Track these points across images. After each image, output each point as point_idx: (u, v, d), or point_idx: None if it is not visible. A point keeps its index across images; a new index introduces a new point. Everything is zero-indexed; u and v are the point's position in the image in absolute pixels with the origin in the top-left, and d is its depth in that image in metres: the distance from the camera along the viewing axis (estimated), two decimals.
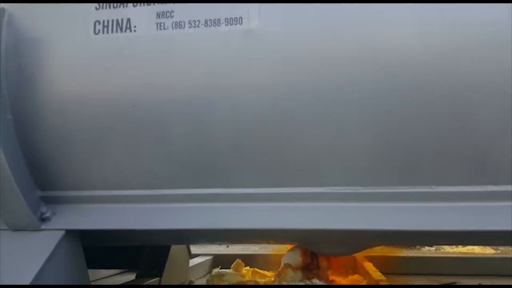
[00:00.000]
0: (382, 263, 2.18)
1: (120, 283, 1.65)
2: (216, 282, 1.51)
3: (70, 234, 1.07)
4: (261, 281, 1.57)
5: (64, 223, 1.07)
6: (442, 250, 3.81)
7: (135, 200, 1.06)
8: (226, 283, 1.48)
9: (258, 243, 2.13)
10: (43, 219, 1.07)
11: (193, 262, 2.30)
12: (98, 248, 1.97)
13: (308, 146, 0.96)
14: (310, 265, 1.54)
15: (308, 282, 1.35)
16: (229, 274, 1.54)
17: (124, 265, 2.12)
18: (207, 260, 2.49)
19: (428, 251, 3.65)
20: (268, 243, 1.57)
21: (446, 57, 0.88)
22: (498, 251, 3.60)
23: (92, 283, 2.09)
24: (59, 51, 1.04)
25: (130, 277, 1.84)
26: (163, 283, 1.71)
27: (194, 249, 3.12)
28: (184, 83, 0.99)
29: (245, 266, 1.80)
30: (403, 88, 0.90)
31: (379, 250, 2.48)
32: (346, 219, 0.97)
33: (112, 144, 1.04)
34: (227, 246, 3.86)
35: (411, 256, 2.70)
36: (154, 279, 1.67)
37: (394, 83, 0.90)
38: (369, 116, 0.92)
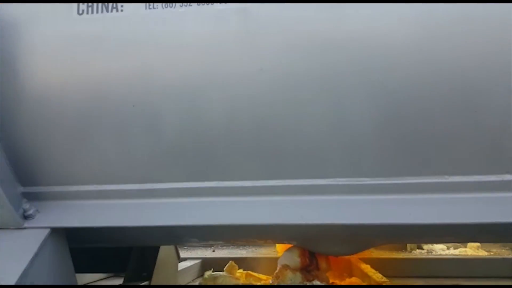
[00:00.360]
0: (377, 266, 2.13)
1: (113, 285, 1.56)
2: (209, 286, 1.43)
3: (56, 232, 0.99)
4: (256, 284, 1.50)
5: (48, 220, 0.99)
6: (434, 253, 3.79)
7: (124, 196, 0.98)
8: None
9: (255, 242, 2.05)
10: (26, 217, 0.99)
11: (182, 266, 2.21)
12: (84, 251, 1.90)
13: (311, 135, 0.90)
14: (309, 266, 1.47)
15: (308, 283, 1.28)
16: (223, 277, 1.46)
17: (111, 269, 2.02)
18: (196, 264, 2.40)
19: (419, 253, 3.63)
20: (265, 242, 1.49)
21: (457, 40, 0.83)
22: (491, 253, 3.60)
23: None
24: (40, 33, 0.96)
25: (117, 281, 1.74)
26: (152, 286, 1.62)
27: (181, 252, 3.05)
28: (176, 67, 0.92)
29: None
30: (413, 73, 0.85)
31: (371, 253, 2.43)
32: (352, 213, 0.91)
33: (98, 134, 0.96)
34: (213, 251, 3.79)
35: (406, 258, 2.66)
36: (142, 283, 1.58)
37: (405, 67, 0.84)
38: (377, 101, 0.86)
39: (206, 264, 2.49)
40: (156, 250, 1.73)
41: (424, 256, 3.16)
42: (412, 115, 0.84)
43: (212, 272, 1.55)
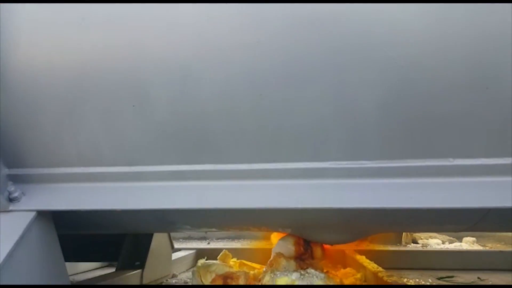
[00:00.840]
0: (372, 258, 2.11)
1: (100, 276, 1.51)
2: (202, 273, 1.39)
3: (42, 215, 0.95)
4: (250, 273, 1.46)
5: (35, 203, 0.95)
6: (429, 247, 3.79)
7: (113, 178, 0.93)
8: (213, 274, 1.37)
9: (249, 231, 2.01)
10: (11, 199, 0.95)
11: (176, 256, 2.18)
12: (76, 240, 1.86)
13: (310, 114, 0.85)
14: (304, 255, 1.44)
15: (302, 272, 1.24)
16: (216, 265, 1.43)
17: (104, 258, 1.99)
18: (190, 254, 2.38)
19: (414, 247, 3.62)
20: (260, 230, 1.45)
21: (470, 17, 0.78)
22: (487, 247, 3.60)
23: (70, 277, 1.96)
24: (25, 10, 0.90)
25: (110, 271, 1.70)
26: (145, 275, 1.59)
27: (177, 244, 3.02)
28: (167, 42, 0.85)
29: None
30: (422, 50, 0.79)
31: (366, 246, 2.41)
32: (351, 197, 0.87)
33: (85, 115, 0.91)
34: (208, 243, 3.79)
35: (402, 250, 2.65)
36: (135, 271, 1.54)
37: (413, 44, 0.79)
38: (382, 79, 0.81)
39: (201, 254, 2.45)
40: (149, 239, 1.70)
41: (419, 249, 3.16)
42: (418, 94, 0.80)
43: (206, 260, 1.51)
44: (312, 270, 1.25)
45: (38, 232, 0.95)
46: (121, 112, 0.90)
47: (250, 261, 1.73)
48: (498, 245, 3.74)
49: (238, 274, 1.34)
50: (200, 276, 1.38)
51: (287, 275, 1.22)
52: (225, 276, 1.34)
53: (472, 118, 0.79)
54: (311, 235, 1.31)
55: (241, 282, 1.30)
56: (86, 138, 0.93)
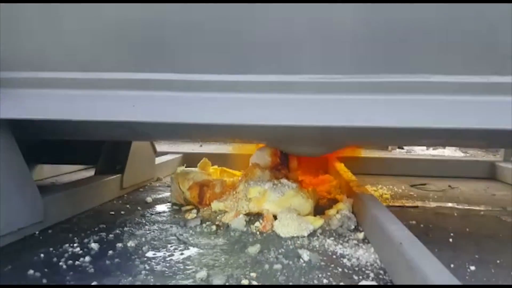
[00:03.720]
0: (352, 164, 2.16)
1: (82, 179, 1.54)
2: (180, 180, 1.41)
3: None
4: (229, 180, 1.49)
5: None
6: (413, 152, 3.89)
7: (65, 85, 0.85)
8: (190, 181, 1.39)
9: (223, 141, 2.01)
10: None
11: (162, 159, 2.20)
12: (57, 144, 1.86)
13: (281, 22, 0.75)
14: (280, 166, 1.45)
15: (276, 182, 1.26)
16: (194, 173, 1.44)
17: (85, 162, 2.01)
18: (176, 158, 2.40)
19: (399, 153, 3.73)
20: (234, 141, 1.44)
21: None
22: (468, 154, 3.71)
23: (53, 178, 2.02)
24: None
25: (91, 173, 1.72)
26: (125, 179, 1.61)
27: (164, 147, 3.06)
28: None
29: (215, 165, 1.71)
30: None
31: (350, 151, 2.45)
32: (322, 114, 0.82)
33: (24, 12, 0.79)
34: (201, 146, 3.82)
35: (382, 157, 2.71)
36: (114, 176, 1.56)
37: None
38: None
39: (188, 159, 2.49)
40: (128, 144, 1.68)
41: (400, 156, 3.23)
42: (395, 4, 0.70)
43: (185, 167, 1.52)
44: (285, 180, 1.27)
45: None
46: (65, 10, 0.78)
47: (236, 167, 1.75)
48: (479, 152, 3.86)
49: (214, 182, 1.36)
50: (179, 183, 1.40)
51: (260, 184, 1.24)
52: (202, 184, 1.35)
53: (450, 33, 0.70)
54: (287, 148, 1.30)
55: (217, 190, 1.33)
56: (29, 39, 0.81)
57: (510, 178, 2.15)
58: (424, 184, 2.00)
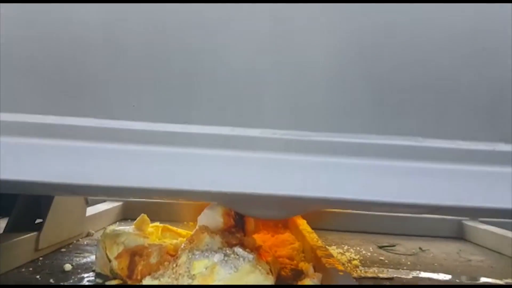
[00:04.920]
0: (315, 218, 2.00)
1: None
2: (108, 243, 1.15)
3: None
4: (171, 243, 1.24)
5: None
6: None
7: None
8: (120, 247, 1.13)
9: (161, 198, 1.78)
10: None
11: (95, 210, 1.88)
12: None
13: (238, 61, 0.59)
14: (234, 228, 1.23)
15: (228, 251, 1.04)
16: (127, 234, 1.18)
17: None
18: (114, 207, 2.06)
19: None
20: (176, 200, 1.22)
21: None
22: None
23: None
24: None
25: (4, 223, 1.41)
26: (42, 238, 1.31)
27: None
28: None
29: (157, 221, 1.45)
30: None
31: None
32: (288, 182, 0.64)
33: None
34: None
35: (346, 212, 2.56)
36: (29, 235, 1.26)
37: None
38: (332, 25, 0.55)
39: (129, 207, 2.19)
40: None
41: (369, 212, 3.09)
42: (381, 53, 0.55)
43: (118, 226, 1.26)
44: (240, 250, 1.04)
45: None
46: None
47: (184, 217, 1.48)
48: None
49: (150, 249, 1.11)
50: (106, 248, 1.14)
51: (207, 256, 1.00)
52: (134, 252, 1.10)
53: (448, 92, 0.56)
54: (242, 210, 1.10)
55: (153, 259, 1.07)
56: None
57: (479, 239, 2.06)
58: (393, 246, 1.85)
